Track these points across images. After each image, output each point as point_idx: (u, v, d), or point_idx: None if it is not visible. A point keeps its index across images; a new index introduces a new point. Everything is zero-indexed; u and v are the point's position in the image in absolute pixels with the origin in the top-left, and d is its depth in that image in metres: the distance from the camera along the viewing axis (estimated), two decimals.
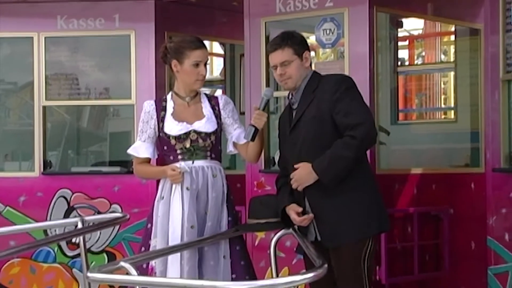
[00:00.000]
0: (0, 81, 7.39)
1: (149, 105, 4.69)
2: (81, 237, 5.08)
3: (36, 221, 6.65)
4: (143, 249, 4.67)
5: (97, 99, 7.09)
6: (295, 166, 4.37)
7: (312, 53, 10.85)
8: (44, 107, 6.92)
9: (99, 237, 6.54)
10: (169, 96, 4.70)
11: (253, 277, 4.72)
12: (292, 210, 4.42)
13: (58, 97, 7.09)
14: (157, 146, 4.70)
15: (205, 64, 4.65)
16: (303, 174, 4.36)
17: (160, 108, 4.65)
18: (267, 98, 4.59)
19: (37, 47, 6.88)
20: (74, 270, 6.77)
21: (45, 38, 6.89)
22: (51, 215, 6.78)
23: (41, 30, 6.88)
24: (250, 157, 4.73)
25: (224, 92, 8.20)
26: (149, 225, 4.66)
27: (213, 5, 7.02)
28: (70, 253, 6.78)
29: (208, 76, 15.44)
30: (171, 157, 4.62)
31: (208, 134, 4.61)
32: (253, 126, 4.49)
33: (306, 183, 4.36)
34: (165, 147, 4.64)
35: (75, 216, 6.21)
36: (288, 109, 4.62)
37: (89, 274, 3.81)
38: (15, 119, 7.49)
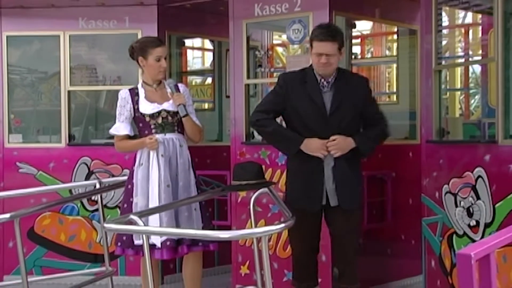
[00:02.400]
0: (34, 70, 7.32)
1: (124, 93, 4.78)
2: (99, 195, 5.07)
3: (63, 182, 6.63)
4: (125, 205, 4.70)
5: (111, 85, 7.06)
6: (332, 137, 4.32)
7: (282, 49, 10.83)
8: (69, 92, 6.88)
9: (113, 195, 6.53)
10: (139, 85, 4.79)
11: (212, 226, 4.96)
12: (317, 138, 4.33)
13: (80, 83, 7.06)
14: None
15: (165, 58, 4.70)
16: (344, 144, 4.34)
17: (134, 94, 4.74)
18: (172, 85, 4.68)
19: (63, 43, 6.82)
20: (93, 221, 6.75)
21: (69, 36, 6.82)
22: (74, 178, 6.75)
23: (66, 29, 6.83)
24: (187, 132, 4.75)
25: (213, 80, 8.16)
26: (129, 186, 4.70)
27: (205, 9, 6.97)
28: (90, 208, 6.76)
29: (200, 67, 15.32)
30: (146, 132, 4.69)
31: (175, 113, 4.69)
32: (180, 104, 4.62)
33: (345, 151, 4.34)
34: (141, 124, 4.71)
35: (94, 179, 6.17)
36: (315, 85, 4.42)
37: (105, 225, 3.80)
38: (46, 101, 7.42)
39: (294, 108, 4.41)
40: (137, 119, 4.71)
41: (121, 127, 4.73)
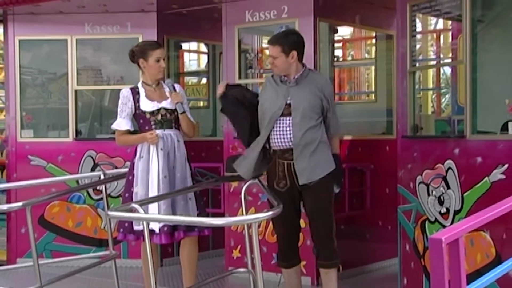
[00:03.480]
0: (44, 71, 7.30)
1: (126, 91, 4.74)
2: (103, 186, 5.04)
3: (70, 174, 6.62)
4: (126, 195, 4.69)
5: (115, 84, 7.04)
6: None
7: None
8: (76, 91, 6.87)
9: (116, 185, 6.52)
10: (139, 85, 4.77)
11: (206, 213, 4.91)
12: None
13: (86, 83, 7.04)
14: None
15: (163, 59, 4.69)
16: None
17: (135, 93, 4.72)
18: (171, 84, 4.66)
19: (70, 46, 6.81)
20: (98, 209, 6.74)
21: (76, 39, 6.81)
22: (81, 169, 6.74)
23: (73, 34, 6.81)
24: (183, 128, 4.73)
25: (208, 80, 8.14)
26: (130, 177, 4.68)
27: (200, 16, 6.96)
28: (95, 197, 6.75)
29: (196, 68, 15.25)
30: (146, 127, 4.67)
31: (173, 110, 4.68)
32: (178, 102, 4.61)
33: None
34: (141, 121, 4.69)
35: (99, 170, 6.17)
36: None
37: (109, 212, 3.81)
38: (55, 100, 7.40)
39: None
40: (138, 116, 4.70)
41: (122, 123, 4.72)
